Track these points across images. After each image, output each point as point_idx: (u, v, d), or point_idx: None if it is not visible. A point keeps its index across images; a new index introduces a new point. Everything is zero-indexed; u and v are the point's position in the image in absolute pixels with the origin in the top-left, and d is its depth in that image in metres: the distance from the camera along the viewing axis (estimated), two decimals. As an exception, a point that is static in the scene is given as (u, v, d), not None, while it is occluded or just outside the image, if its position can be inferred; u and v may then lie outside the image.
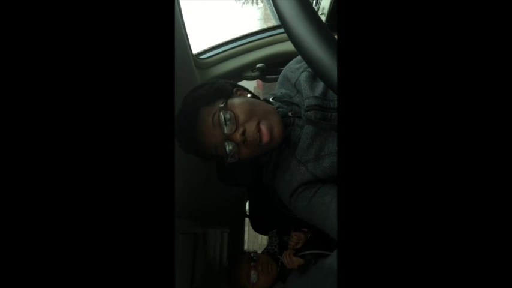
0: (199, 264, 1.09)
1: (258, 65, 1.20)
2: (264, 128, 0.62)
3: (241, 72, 1.22)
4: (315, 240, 1.12)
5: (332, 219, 0.62)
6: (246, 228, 2.74)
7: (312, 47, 0.31)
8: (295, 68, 0.75)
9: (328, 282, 0.59)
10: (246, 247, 3.10)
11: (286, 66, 0.80)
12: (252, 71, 1.22)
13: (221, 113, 0.61)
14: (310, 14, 0.31)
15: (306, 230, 1.17)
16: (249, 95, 0.71)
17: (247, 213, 1.88)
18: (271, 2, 0.35)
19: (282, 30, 1.04)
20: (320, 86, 0.69)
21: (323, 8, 1.13)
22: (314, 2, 1.20)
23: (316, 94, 0.67)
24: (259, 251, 1.41)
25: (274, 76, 1.22)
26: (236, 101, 0.65)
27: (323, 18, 1.13)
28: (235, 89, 0.69)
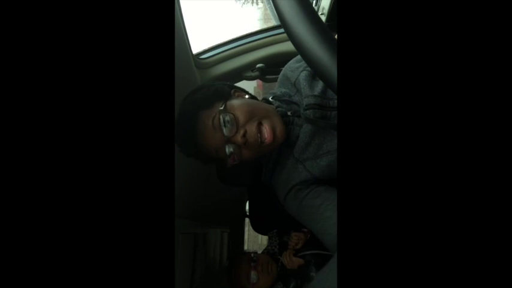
0: (199, 264, 1.09)
1: (258, 65, 1.20)
2: (266, 128, 0.62)
3: (241, 72, 1.22)
4: (315, 240, 1.12)
5: (319, 223, 0.61)
6: (246, 228, 2.74)
7: (312, 47, 0.31)
8: (295, 67, 0.75)
9: None
10: (246, 247, 3.10)
11: (286, 66, 0.80)
12: (252, 71, 1.21)
13: (221, 116, 0.61)
14: (310, 14, 0.31)
15: (306, 230, 1.17)
16: (247, 96, 0.70)
17: (247, 213, 1.88)
18: (271, 2, 0.35)
19: (282, 30, 1.04)
20: (319, 85, 0.69)
21: (323, 8, 1.13)
22: (314, 2, 1.20)
23: (316, 93, 0.67)
24: (259, 251, 1.42)
25: (274, 76, 1.22)
26: (235, 102, 0.64)
27: (323, 18, 1.13)
28: (233, 91, 0.69)
